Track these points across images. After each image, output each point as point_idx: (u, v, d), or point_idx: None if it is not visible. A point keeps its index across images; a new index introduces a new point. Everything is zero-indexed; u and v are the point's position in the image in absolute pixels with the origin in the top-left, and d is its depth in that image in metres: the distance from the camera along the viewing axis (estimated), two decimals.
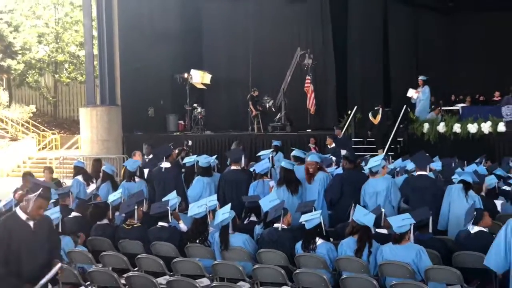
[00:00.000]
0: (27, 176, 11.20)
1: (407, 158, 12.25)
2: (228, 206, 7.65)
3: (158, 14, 23.45)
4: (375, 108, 17.93)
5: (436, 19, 25.99)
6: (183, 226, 8.17)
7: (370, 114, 17.94)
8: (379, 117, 17.75)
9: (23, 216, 5.63)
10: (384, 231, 7.30)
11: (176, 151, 14.55)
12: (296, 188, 9.53)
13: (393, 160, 14.48)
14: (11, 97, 36.87)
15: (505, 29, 24.23)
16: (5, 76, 35.42)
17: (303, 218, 7.15)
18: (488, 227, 7.12)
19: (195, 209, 7.75)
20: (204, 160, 11.03)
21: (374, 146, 17.84)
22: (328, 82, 22.63)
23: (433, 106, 20.16)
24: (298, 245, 7.11)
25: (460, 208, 8.26)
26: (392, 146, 17.62)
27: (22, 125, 32.29)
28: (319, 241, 7.00)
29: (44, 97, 37.12)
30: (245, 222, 8.40)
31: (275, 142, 16.27)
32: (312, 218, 7.05)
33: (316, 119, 21.40)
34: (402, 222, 6.53)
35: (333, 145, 16.79)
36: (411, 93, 18.62)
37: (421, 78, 18.87)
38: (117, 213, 8.95)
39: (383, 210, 7.57)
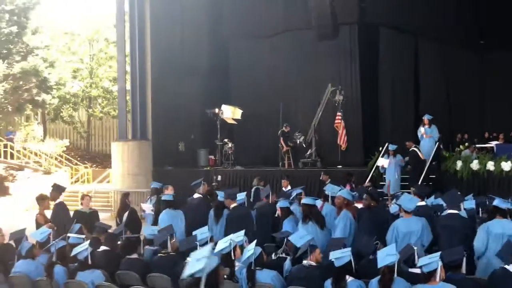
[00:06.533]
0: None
1: (439, 196, 12.09)
2: (254, 243, 7.60)
3: (188, 50, 23.76)
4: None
5: (467, 57, 25.85)
6: None
7: (417, 150, 17.75)
8: (422, 154, 17.60)
9: None
10: (417, 270, 7.14)
11: (206, 186, 14.59)
12: (323, 223, 9.56)
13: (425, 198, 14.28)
14: (45, 131, 37.52)
15: None
16: (40, 111, 36.05)
17: (333, 255, 7.05)
18: None
19: (221, 244, 7.72)
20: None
21: (406, 183, 17.65)
22: (358, 118, 22.58)
23: (466, 144, 19.95)
24: (328, 283, 6.98)
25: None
26: (425, 183, 17.41)
27: (56, 158, 32.73)
28: (349, 278, 6.88)
29: (77, 132, 37.62)
30: (273, 258, 8.32)
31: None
32: (342, 256, 6.95)
33: (346, 155, 21.30)
34: (429, 260, 6.41)
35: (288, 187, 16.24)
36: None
37: (427, 117, 18.29)
38: (146, 247, 8.95)
39: (415, 248, 7.44)
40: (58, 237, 8.81)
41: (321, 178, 17.63)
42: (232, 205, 11.03)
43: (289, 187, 16.05)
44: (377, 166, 18.42)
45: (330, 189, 11.06)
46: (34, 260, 8.25)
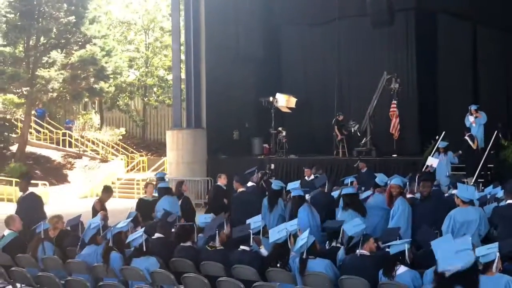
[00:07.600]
0: None
1: (497, 185, 11.85)
2: (307, 231, 7.57)
3: (242, 38, 23.73)
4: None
5: None
6: (264, 251, 8.12)
7: (468, 139, 17.38)
8: (477, 142, 17.19)
9: None
10: None
11: (259, 174, 14.69)
12: (364, 211, 9.68)
13: (483, 187, 14.02)
14: (102, 120, 38.16)
15: None
16: (97, 100, 36.69)
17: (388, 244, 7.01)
18: None
19: (275, 234, 7.70)
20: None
21: (464, 173, 17.28)
22: (414, 107, 22.22)
23: None
24: (381, 273, 6.92)
25: None
26: (482, 173, 17.02)
27: (112, 147, 33.30)
28: (402, 268, 6.78)
29: (133, 120, 38.15)
30: (327, 247, 8.29)
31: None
32: (398, 244, 6.88)
33: (402, 144, 21.00)
34: (486, 251, 6.25)
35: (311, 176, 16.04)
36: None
37: (473, 108, 17.87)
38: (200, 235, 9.02)
39: (469, 239, 7.28)
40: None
41: (359, 166, 17.62)
42: (240, 189, 11.14)
43: (312, 177, 15.96)
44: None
45: (381, 178, 10.91)
46: (98, 246, 8.38)
